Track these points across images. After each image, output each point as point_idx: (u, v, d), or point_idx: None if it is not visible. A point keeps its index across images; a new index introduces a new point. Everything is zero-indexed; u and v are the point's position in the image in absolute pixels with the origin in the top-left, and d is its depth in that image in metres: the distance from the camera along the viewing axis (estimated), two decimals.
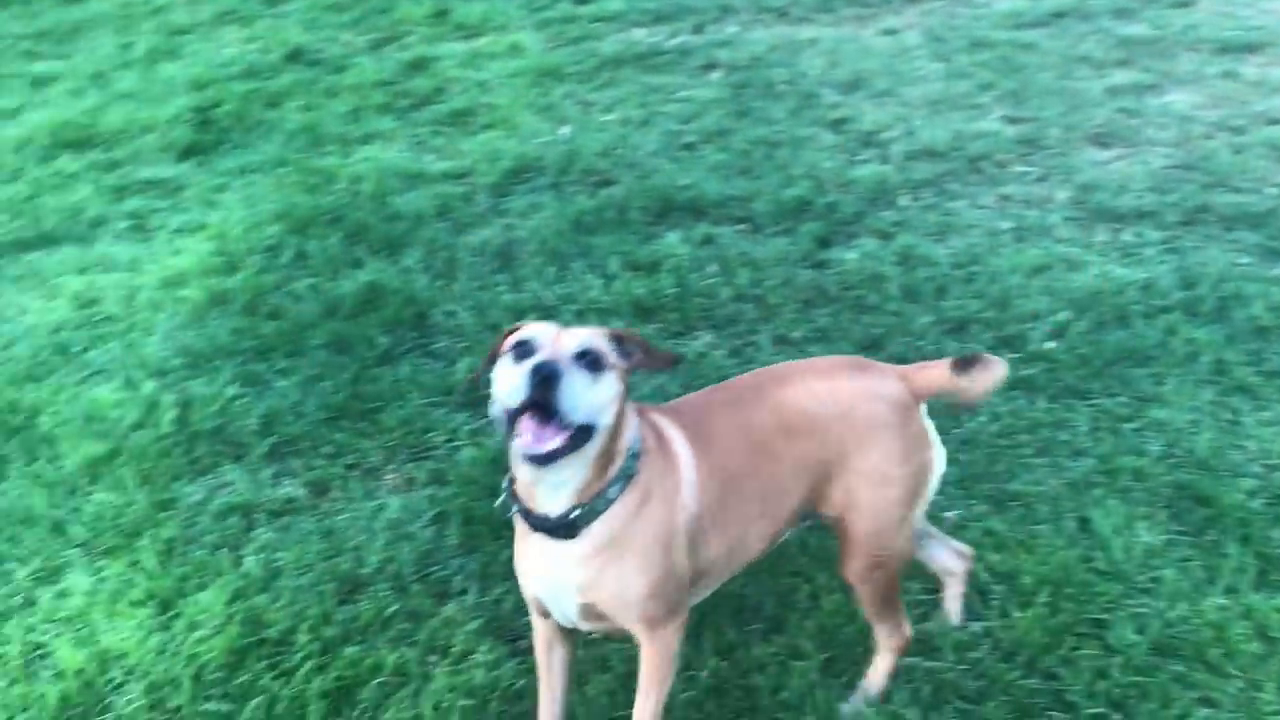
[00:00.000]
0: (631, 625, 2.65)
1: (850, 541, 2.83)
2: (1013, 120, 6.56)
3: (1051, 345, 4.41)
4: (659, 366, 2.61)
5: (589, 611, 2.62)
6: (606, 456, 2.48)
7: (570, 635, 2.86)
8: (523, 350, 2.38)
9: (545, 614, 2.76)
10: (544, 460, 2.32)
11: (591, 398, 2.35)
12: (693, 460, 2.66)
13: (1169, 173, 5.75)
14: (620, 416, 2.48)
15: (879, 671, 3.03)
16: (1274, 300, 4.55)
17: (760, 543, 2.82)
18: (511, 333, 2.49)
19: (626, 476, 2.52)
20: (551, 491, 2.48)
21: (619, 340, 2.51)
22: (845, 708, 3.00)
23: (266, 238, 5.73)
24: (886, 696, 3.01)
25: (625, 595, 2.57)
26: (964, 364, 2.84)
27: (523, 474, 2.48)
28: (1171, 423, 3.93)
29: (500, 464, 2.56)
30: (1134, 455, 3.79)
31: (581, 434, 2.35)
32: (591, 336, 2.44)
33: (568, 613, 2.65)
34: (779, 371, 2.97)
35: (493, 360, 2.48)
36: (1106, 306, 4.62)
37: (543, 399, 2.26)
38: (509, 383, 2.33)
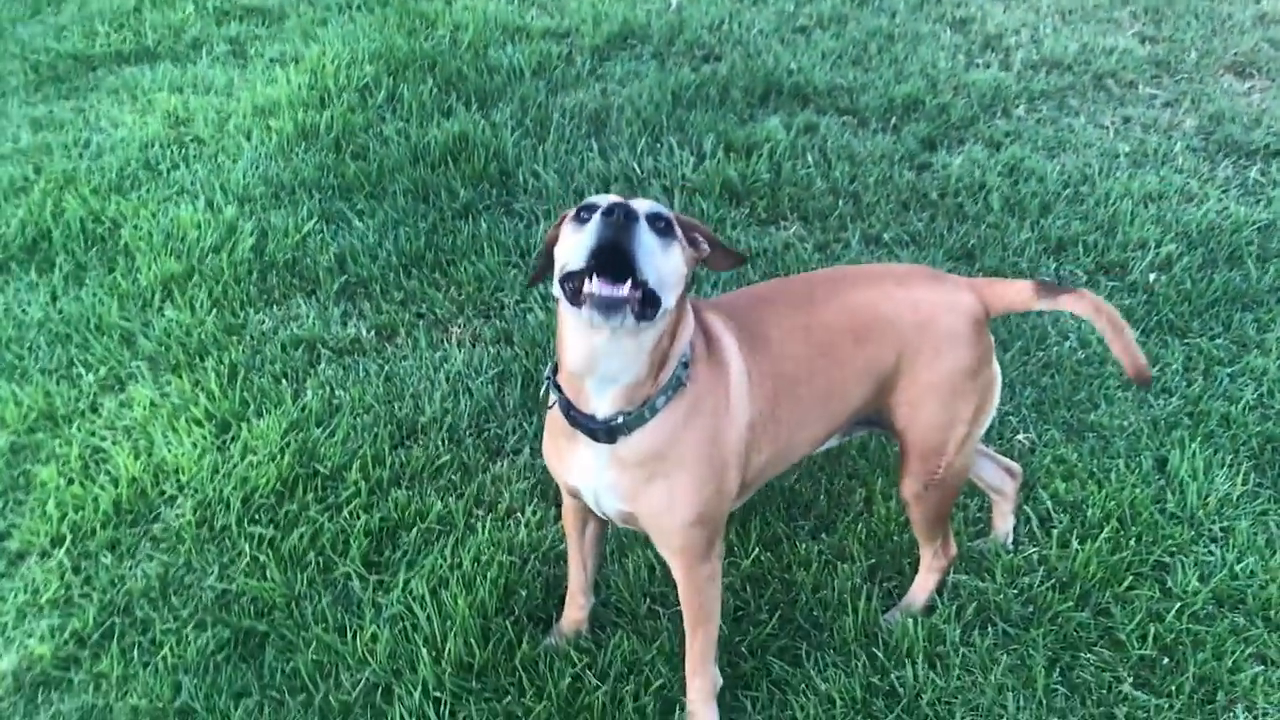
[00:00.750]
0: (669, 556, 2.53)
1: (912, 457, 2.73)
2: (1147, 39, 6.19)
3: (1154, 277, 4.19)
4: (725, 265, 2.45)
5: (627, 518, 2.50)
6: (661, 355, 2.30)
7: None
8: (589, 211, 2.19)
9: (577, 495, 2.63)
10: (613, 306, 2.09)
11: (661, 263, 2.15)
12: (744, 368, 2.50)
13: None
14: (681, 308, 2.32)
15: (922, 589, 2.97)
16: None
17: (808, 446, 2.72)
18: (564, 219, 2.31)
19: (675, 386, 2.35)
20: (601, 387, 2.29)
21: (686, 227, 2.34)
22: (886, 618, 2.94)
23: (361, 76, 5.65)
24: (929, 611, 2.94)
25: (668, 515, 2.42)
26: (1050, 290, 2.69)
27: (580, 349, 2.26)
28: (1270, 372, 3.73)
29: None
30: (1225, 401, 3.61)
31: (647, 304, 2.15)
32: (662, 206, 2.28)
33: (606, 512, 2.52)
34: (853, 273, 2.84)
35: (550, 249, 2.33)
36: (1219, 244, 4.37)
37: (616, 241, 2.07)
38: (576, 240, 2.14)
